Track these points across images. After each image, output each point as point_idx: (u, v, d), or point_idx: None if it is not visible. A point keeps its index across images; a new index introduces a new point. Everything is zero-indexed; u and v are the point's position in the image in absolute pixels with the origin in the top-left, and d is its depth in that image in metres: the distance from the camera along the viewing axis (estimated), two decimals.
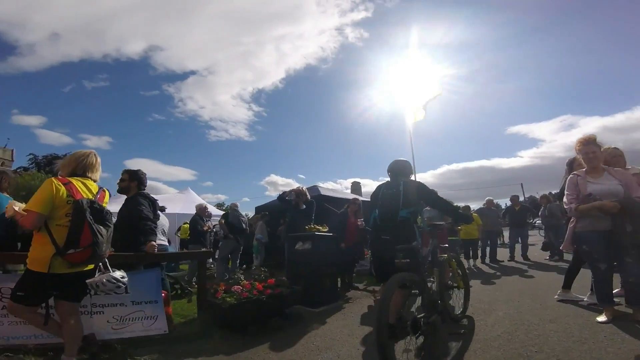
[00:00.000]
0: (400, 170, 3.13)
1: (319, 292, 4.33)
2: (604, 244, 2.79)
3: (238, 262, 7.07)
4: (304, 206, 5.45)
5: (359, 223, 5.69)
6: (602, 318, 2.69)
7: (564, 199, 3.01)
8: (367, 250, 6.34)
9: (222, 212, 10.01)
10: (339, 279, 5.47)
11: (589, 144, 2.96)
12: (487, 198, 9.08)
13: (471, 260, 7.86)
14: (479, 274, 6.51)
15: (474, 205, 9.18)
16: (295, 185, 8.29)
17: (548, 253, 7.96)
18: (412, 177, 3.30)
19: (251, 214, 13.30)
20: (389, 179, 3.17)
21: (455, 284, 3.42)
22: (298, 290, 3.79)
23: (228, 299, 3.15)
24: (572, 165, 3.58)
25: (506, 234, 9.83)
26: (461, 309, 3.39)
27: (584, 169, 3.01)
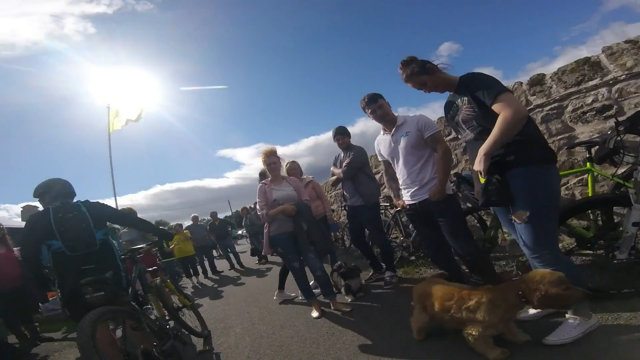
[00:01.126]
0: (66, 191, 2.63)
1: None
2: (292, 243, 3.23)
3: None
4: None
5: (16, 254, 4.15)
6: (315, 314, 3.16)
7: (257, 206, 3.38)
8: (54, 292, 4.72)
9: None
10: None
11: (271, 156, 3.38)
12: (192, 215, 9.46)
13: (194, 278, 7.72)
14: (205, 290, 6.48)
15: (188, 223, 9.24)
16: None
17: (256, 258, 9.31)
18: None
19: None
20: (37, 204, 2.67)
21: (181, 305, 3.32)
22: None
23: None
24: (264, 175, 4.10)
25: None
26: (200, 326, 3.42)
27: (269, 178, 3.44)
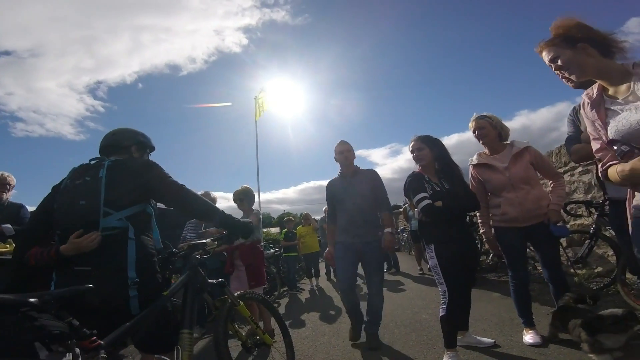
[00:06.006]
0: (111, 144, 1.66)
1: None
2: None
3: None
4: None
5: None
6: None
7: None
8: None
9: None
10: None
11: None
12: (325, 207, 8.28)
13: (314, 280, 6.70)
14: (320, 301, 5.21)
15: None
16: None
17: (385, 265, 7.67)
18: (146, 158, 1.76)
19: None
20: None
21: (257, 340, 1.98)
22: None
23: None
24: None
25: None
26: None
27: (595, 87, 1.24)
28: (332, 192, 2.90)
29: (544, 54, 1.29)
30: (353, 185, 2.79)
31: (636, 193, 1.16)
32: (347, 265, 2.74)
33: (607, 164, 1.16)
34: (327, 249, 2.93)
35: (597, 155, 1.22)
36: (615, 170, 1.10)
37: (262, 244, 4.41)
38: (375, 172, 2.92)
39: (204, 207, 1.56)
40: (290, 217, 7.98)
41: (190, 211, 1.64)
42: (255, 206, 3.75)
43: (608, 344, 1.87)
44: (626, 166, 1.05)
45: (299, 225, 7.47)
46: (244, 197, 3.40)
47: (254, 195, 3.62)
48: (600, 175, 1.21)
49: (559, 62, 1.23)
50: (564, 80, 1.26)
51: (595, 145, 1.23)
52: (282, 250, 7.12)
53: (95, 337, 1.08)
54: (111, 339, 1.15)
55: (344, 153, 2.86)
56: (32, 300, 0.95)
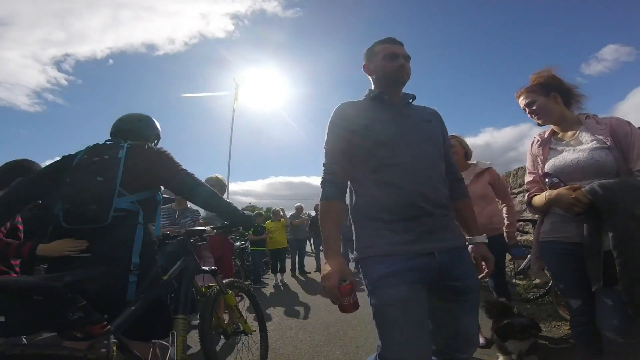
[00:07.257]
0: (126, 128, 1.65)
1: None
2: (573, 267, 1.39)
3: None
4: None
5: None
6: None
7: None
8: None
9: None
10: None
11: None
12: (297, 204, 8.53)
13: (279, 275, 6.81)
14: (285, 296, 5.36)
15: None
16: None
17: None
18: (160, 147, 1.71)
19: None
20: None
21: (237, 328, 2.12)
22: None
23: None
24: None
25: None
26: None
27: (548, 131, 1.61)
28: (356, 124, 1.22)
29: (521, 98, 1.58)
30: (411, 122, 1.26)
31: (545, 219, 1.53)
32: (419, 316, 1.12)
33: (532, 194, 1.56)
34: (326, 265, 1.12)
35: (526, 187, 1.64)
36: (544, 195, 1.43)
37: (231, 236, 4.48)
38: (439, 115, 1.38)
39: (211, 196, 1.60)
40: (261, 212, 8.06)
41: (198, 199, 1.63)
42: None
43: (510, 348, 2.18)
44: (553, 192, 1.38)
45: (267, 220, 7.55)
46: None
47: (223, 185, 3.63)
48: (526, 202, 1.59)
49: (534, 107, 1.51)
50: (534, 120, 1.56)
51: (527, 178, 1.63)
52: (248, 244, 7.19)
53: (105, 322, 1.07)
54: (118, 323, 1.15)
55: (399, 59, 1.24)
56: (56, 283, 0.95)
